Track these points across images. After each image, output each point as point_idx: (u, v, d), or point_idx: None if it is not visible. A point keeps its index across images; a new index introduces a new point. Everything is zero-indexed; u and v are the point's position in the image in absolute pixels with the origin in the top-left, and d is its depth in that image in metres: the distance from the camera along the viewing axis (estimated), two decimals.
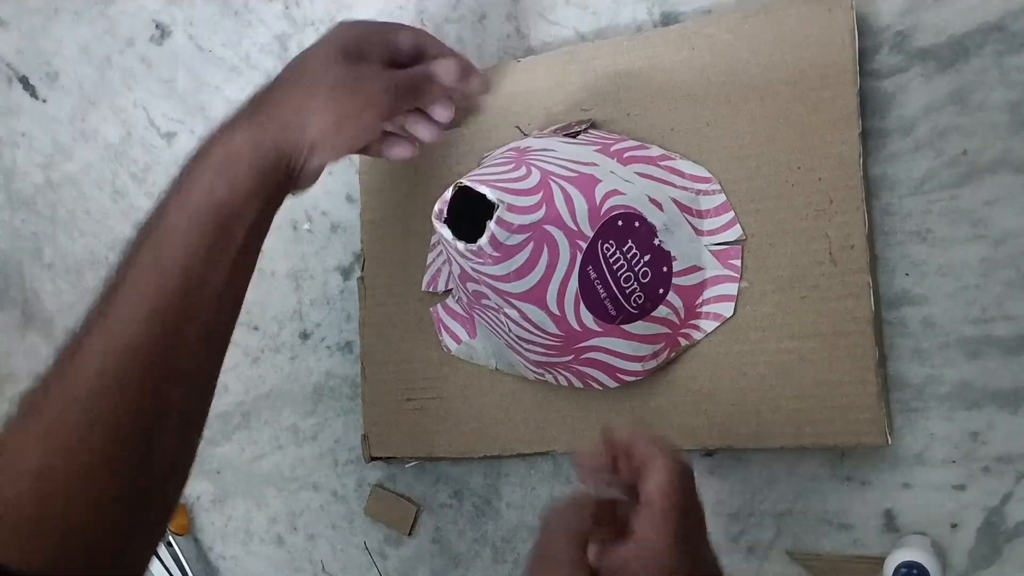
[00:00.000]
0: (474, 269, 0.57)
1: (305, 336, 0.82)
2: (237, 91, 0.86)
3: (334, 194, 0.81)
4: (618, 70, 0.66)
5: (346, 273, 0.81)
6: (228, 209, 0.53)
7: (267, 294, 0.84)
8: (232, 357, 0.86)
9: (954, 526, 0.60)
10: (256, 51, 0.85)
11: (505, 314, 0.59)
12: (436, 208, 0.56)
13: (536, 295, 0.57)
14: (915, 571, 0.56)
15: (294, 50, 0.83)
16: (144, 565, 0.53)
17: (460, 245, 0.55)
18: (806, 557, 0.63)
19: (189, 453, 0.55)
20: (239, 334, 0.87)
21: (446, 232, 0.55)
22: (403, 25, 0.65)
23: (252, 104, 0.58)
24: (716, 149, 0.63)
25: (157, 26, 0.90)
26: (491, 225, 0.53)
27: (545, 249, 0.56)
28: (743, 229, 0.62)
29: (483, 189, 0.54)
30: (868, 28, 0.62)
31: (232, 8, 0.86)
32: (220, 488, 0.86)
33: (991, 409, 0.59)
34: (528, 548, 0.73)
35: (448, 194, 0.56)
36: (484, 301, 0.60)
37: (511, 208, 0.54)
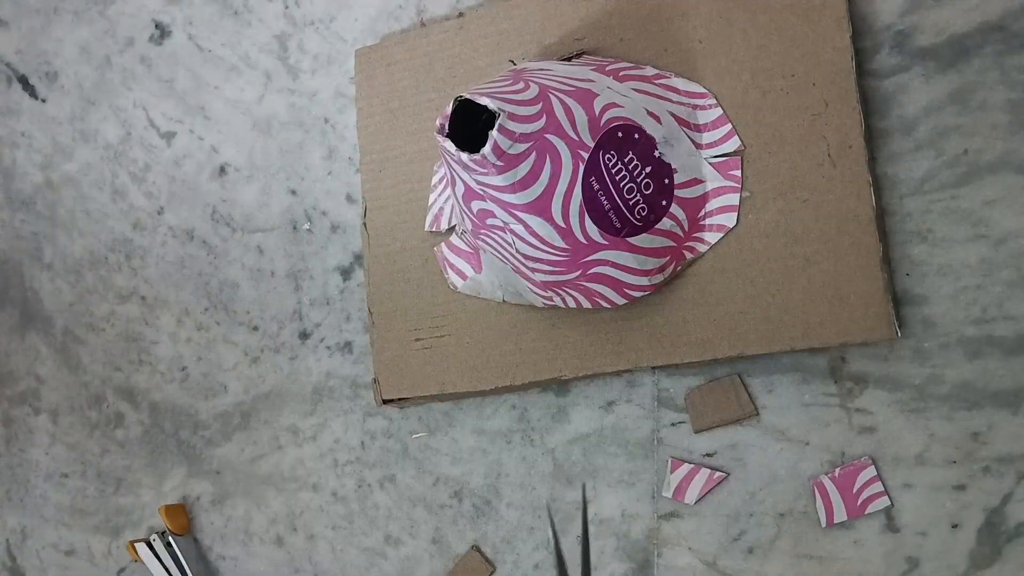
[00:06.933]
0: (479, 183, 0.57)
1: (305, 336, 0.82)
2: (236, 91, 0.86)
3: (334, 194, 0.81)
4: None
5: (346, 273, 0.81)
6: None
7: (267, 294, 0.83)
8: (232, 357, 0.86)
9: (954, 526, 0.60)
10: (256, 51, 0.85)
11: (512, 231, 0.59)
12: (437, 123, 0.56)
13: (541, 206, 0.57)
14: None
15: (294, 50, 0.83)
16: None
17: (464, 156, 0.55)
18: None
19: None
20: (239, 334, 0.87)
21: (449, 145, 0.55)
22: None
23: None
24: (710, 65, 0.64)
25: (157, 26, 0.90)
26: (493, 133, 0.54)
27: (548, 159, 0.56)
28: (741, 140, 0.63)
29: (484, 100, 0.54)
30: (868, 28, 0.62)
31: (232, 8, 0.86)
32: (220, 488, 0.86)
33: (991, 409, 0.59)
34: (528, 548, 0.73)
35: (448, 108, 0.56)
36: (490, 220, 0.60)
37: (512, 117, 0.54)
